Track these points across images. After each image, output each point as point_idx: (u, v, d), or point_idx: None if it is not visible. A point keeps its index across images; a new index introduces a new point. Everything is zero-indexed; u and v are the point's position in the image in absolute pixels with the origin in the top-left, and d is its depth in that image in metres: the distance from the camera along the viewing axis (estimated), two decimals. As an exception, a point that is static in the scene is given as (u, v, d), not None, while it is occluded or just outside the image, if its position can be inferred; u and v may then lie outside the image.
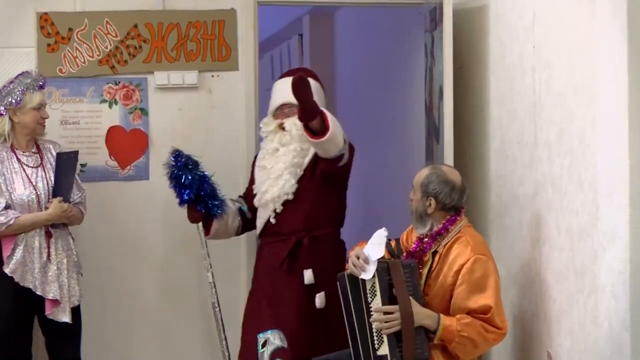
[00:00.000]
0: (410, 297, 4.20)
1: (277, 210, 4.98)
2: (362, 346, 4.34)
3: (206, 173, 5.11)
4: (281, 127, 5.04)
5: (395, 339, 4.22)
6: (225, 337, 5.23)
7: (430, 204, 4.31)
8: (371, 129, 7.47)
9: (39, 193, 4.87)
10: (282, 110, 5.03)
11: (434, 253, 4.33)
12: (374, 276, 4.27)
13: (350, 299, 4.36)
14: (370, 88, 7.57)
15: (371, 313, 4.27)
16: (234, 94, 5.60)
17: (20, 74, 4.97)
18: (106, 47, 5.62)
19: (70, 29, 5.56)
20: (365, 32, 7.79)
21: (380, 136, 7.18)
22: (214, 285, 5.18)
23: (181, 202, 5.07)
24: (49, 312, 4.86)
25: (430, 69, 5.55)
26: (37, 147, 5.01)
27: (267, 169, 5.06)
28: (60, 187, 4.94)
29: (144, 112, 5.71)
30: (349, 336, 4.40)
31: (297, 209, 5.00)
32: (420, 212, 4.39)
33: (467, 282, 4.17)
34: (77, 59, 5.59)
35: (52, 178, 4.94)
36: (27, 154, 4.90)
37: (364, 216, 7.06)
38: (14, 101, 4.85)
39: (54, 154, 5.02)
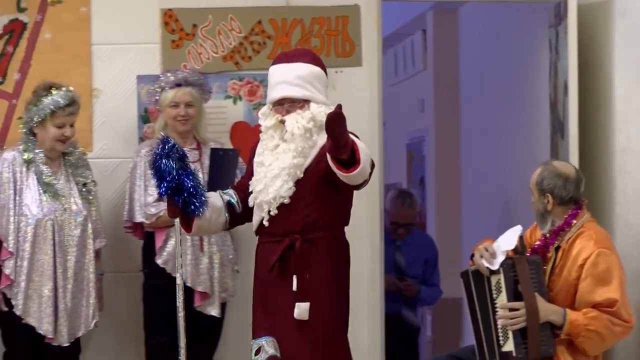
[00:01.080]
0: (536, 293, 4.30)
1: (272, 213, 4.63)
2: (486, 342, 4.46)
3: (191, 168, 4.65)
4: (281, 122, 4.67)
5: (521, 335, 4.36)
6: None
7: (548, 201, 4.42)
8: (495, 125, 7.50)
9: None
10: (281, 105, 4.66)
11: (557, 249, 4.44)
12: (499, 272, 4.37)
13: (475, 296, 4.49)
14: (494, 84, 7.58)
15: (496, 309, 4.39)
16: (357, 89, 5.61)
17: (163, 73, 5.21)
18: (230, 44, 5.68)
19: (194, 25, 5.65)
20: (489, 27, 7.80)
21: (504, 132, 7.21)
22: (182, 287, 4.70)
23: (159, 194, 4.62)
24: (198, 304, 4.99)
25: (554, 64, 5.61)
26: (197, 143, 5.19)
27: (264, 166, 4.71)
28: (214, 183, 5.05)
29: None
30: (473, 333, 4.51)
31: (294, 210, 4.66)
32: (541, 211, 4.50)
33: (591, 276, 4.27)
34: (201, 55, 5.67)
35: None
36: (185, 149, 4.95)
37: (487, 212, 7.15)
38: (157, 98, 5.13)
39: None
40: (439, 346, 7.87)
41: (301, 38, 5.55)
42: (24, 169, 5.04)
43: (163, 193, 4.48)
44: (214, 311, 5.07)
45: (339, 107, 4.09)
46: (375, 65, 5.60)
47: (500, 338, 4.43)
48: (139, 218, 5.21)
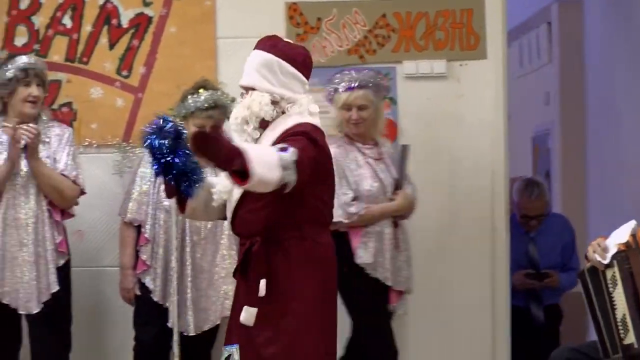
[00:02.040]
0: None
1: (229, 213, 4.40)
2: (608, 337, 4.49)
3: (186, 148, 4.31)
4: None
5: None
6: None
7: None
8: (622, 120, 7.46)
9: (384, 184, 5.05)
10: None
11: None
12: (613, 265, 4.41)
13: (592, 292, 4.52)
14: (621, 77, 7.53)
15: (614, 303, 4.43)
16: (482, 82, 5.59)
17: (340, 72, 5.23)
18: (355, 37, 5.69)
19: (319, 19, 5.66)
20: (615, 19, 7.73)
21: (633, 128, 7.15)
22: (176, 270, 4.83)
23: (154, 173, 4.44)
24: (394, 303, 5.09)
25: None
26: (375, 141, 5.21)
27: None
28: (402, 178, 5.12)
29: (392, 101, 5.75)
30: (595, 330, 4.54)
31: (254, 211, 4.30)
32: None
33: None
34: (325, 49, 5.68)
35: (392, 169, 5.14)
36: (367, 146, 5.10)
37: (614, 209, 7.07)
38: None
39: (387, 146, 5.22)
40: (564, 340, 7.76)
41: (425, 31, 5.54)
42: None
43: (156, 172, 4.30)
44: (401, 310, 5.16)
45: (198, 132, 3.90)
46: (500, 58, 5.57)
47: (621, 331, 4.44)
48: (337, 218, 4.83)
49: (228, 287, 5.13)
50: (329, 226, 4.39)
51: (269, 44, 4.35)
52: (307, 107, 4.26)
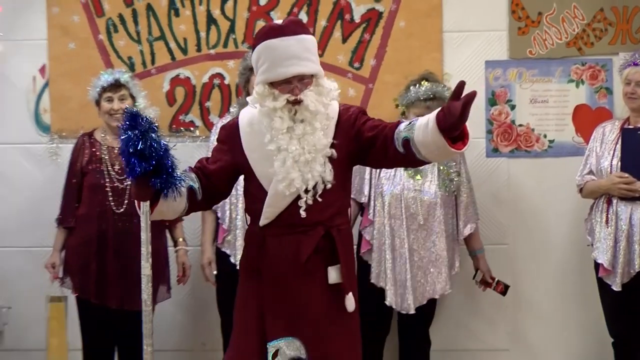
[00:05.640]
0: None
1: (309, 202, 3.96)
2: None
3: (167, 145, 3.87)
4: (295, 102, 3.98)
5: None
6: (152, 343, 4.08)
7: None
8: None
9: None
10: (288, 83, 3.94)
11: None
12: None
13: None
14: None
15: None
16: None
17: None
18: (573, 30, 5.76)
19: (539, 13, 5.75)
20: None
21: None
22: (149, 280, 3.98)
23: (133, 174, 3.78)
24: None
25: None
26: None
27: (287, 151, 3.99)
28: (627, 165, 5.21)
29: (608, 91, 5.81)
30: None
31: (327, 196, 4.02)
32: None
33: None
34: (545, 42, 5.78)
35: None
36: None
37: None
38: None
39: None
40: None
41: (647, 24, 5.68)
42: None
43: (138, 174, 3.75)
44: None
45: (462, 83, 3.51)
46: None
47: None
48: None
49: (435, 269, 5.42)
50: None
51: (306, 27, 4.07)
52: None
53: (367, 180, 5.40)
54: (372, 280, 5.25)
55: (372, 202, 5.37)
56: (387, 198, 5.25)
